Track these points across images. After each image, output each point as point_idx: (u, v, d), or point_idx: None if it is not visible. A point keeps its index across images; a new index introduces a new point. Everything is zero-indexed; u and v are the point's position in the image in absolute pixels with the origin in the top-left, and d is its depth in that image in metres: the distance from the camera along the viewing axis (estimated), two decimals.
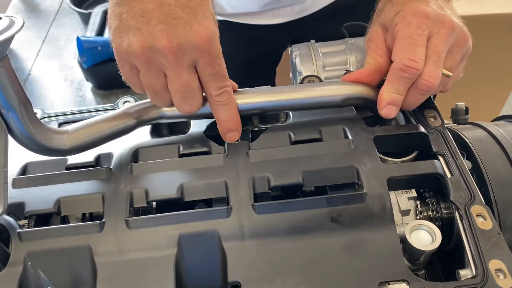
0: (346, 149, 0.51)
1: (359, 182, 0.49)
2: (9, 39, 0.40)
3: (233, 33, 0.94)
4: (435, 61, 0.52)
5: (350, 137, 0.52)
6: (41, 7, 2.87)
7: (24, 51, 2.56)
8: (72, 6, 2.54)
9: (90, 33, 2.46)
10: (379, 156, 0.51)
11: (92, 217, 0.54)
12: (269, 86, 0.59)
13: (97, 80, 2.29)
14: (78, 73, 2.36)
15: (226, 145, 0.54)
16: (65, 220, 0.53)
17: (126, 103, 0.64)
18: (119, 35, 0.47)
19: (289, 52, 0.81)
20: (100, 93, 2.32)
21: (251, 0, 0.87)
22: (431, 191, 0.53)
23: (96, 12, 2.57)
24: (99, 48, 2.19)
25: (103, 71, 2.21)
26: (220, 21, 0.88)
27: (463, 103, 0.69)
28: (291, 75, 0.83)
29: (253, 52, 1.01)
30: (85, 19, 2.60)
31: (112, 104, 0.65)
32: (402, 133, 0.53)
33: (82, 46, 2.12)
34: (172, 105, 0.51)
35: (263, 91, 0.56)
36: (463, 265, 0.46)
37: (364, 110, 0.59)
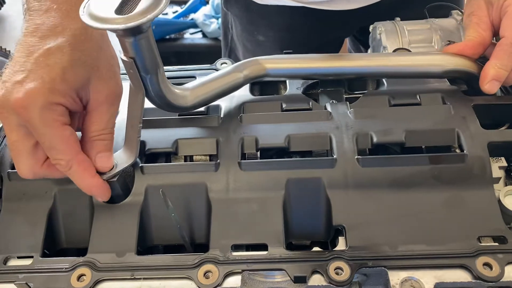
0: (447, 113, 0.53)
1: (457, 146, 0.52)
2: (156, 16, 0.40)
3: (307, 19, 0.95)
4: None
5: (449, 103, 0.55)
6: None
7: None
8: None
9: None
10: None
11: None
12: (370, 53, 0.61)
13: None
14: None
15: (327, 103, 0.57)
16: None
17: (224, 65, 0.68)
18: None
19: (370, 29, 0.84)
20: None
21: None
22: None
23: None
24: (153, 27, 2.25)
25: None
26: (296, 7, 0.91)
27: None
28: (370, 51, 0.86)
29: (322, 38, 1.02)
30: None
31: (210, 65, 0.69)
32: (500, 103, 0.55)
33: None
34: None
35: (365, 57, 0.59)
36: None
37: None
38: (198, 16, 2.47)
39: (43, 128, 0.45)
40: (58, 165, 0.47)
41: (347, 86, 0.64)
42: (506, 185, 0.56)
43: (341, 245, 0.49)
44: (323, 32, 0.97)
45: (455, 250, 0.46)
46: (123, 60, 0.45)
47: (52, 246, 0.52)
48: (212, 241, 0.48)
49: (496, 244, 0.47)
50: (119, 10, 0.41)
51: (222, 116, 0.57)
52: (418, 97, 0.56)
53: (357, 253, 0.46)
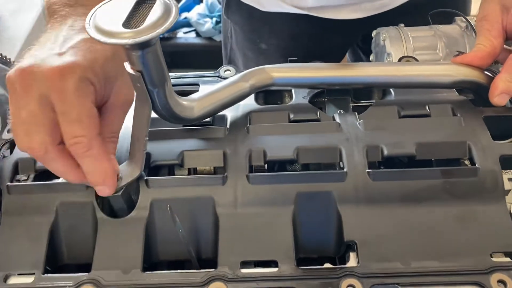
0: (457, 126, 0.53)
1: (467, 158, 0.51)
2: (166, 30, 0.39)
3: (311, 27, 0.94)
4: None
5: (459, 115, 0.54)
6: None
7: None
8: None
9: None
10: None
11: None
12: (379, 61, 0.60)
13: None
14: None
15: (335, 114, 0.56)
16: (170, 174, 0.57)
17: (227, 72, 0.67)
18: None
19: (373, 35, 0.83)
20: None
21: None
22: None
23: None
24: None
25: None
26: (300, 15, 0.90)
27: None
28: (372, 57, 0.85)
29: (326, 46, 1.00)
30: None
31: (214, 72, 0.68)
32: (510, 115, 0.54)
33: None
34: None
35: (373, 66, 0.58)
36: None
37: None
38: (192, 15, 2.45)
39: (75, 98, 0.43)
40: (77, 144, 0.43)
41: (353, 95, 0.63)
42: None
43: (352, 261, 0.48)
44: (326, 40, 0.96)
45: (469, 266, 0.45)
46: (129, 74, 0.43)
47: (54, 262, 0.51)
48: (220, 257, 0.47)
49: (510, 260, 0.46)
50: (127, 23, 0.40)
51: (228, 126, 0.55)
52: (427, 108, 0.56)
53: (369, 269, 0.46)
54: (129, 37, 0.39)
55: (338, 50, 1.05)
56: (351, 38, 1.03)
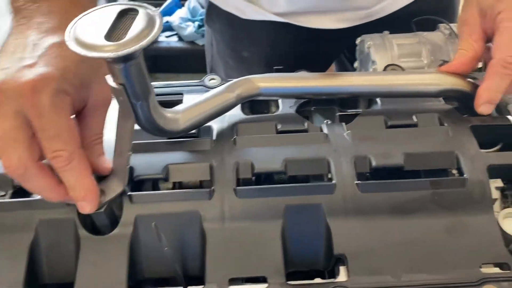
0: (445, 135, 0.53)
1: (454, 169, 0.51)
2: (150, 42, 0.38)
3: (293, 36, 0.92)
4: None
5: (446, 125, 0.54)
6: None
7: None
8: None
9: None
10: None
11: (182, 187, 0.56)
12: (365, 71, 0.60)
13: None
14: None
15: (323, 124, 0.56)
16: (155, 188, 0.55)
17: (212, 81, 0.65)
18: None
19: (357, 42, 0.83)
20: None
21: None
22: (510, 183, 0.55)
23: None
24: None
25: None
26: (281, 23, 0.88)
27: None
28: (356, 64, 0.85)
29: (309, 55, 0.98)
30: (111, 2, 2.60)
31: (198, 81, 0.66)
32: (497, 124, 0.55)
33: None
34: None
35: (359, 75, 0.57)
36: None
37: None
38: (174, 19, 2.42)
39: (52, 113, 0.41)
40: (58, 157, 0.42)
41: (339, 103, 0.63)
42: (502, 205, 0.56)
43: (342, 274, 0.47)
44: (309, 49, 0.94)
45: (459, 278, 0.45)
46: (112, 87, 0.42)
47: (34, 282, 0.49)
48: (208, 274, 0.46)
49: (499, 270, 0.46)
50: (109, 35, 0.38)
51: (214, 138, 0.54)
52: (414, 117, 0.55)
53: (360, 283, 0.45)
54: (111, 50, 0.37)
55: (322, 59, 1.04)
56: (336, 49, 1.02)
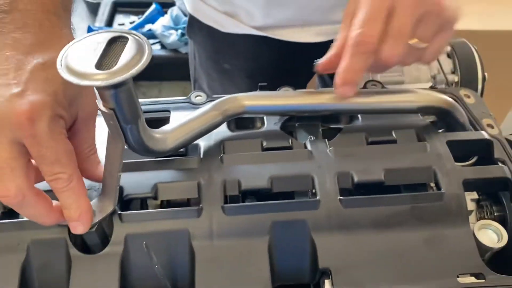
0: (423, 151, 0.55)
1: (433, 183, 0.54)
2: (140, 70, 0.40)
3: (273, 49, 0.93)
4: (393, 36, 0.50)
5: (424, 140, 0.57)
6: None
7: None
8: None
9: (99, 24, 2.46)
10: None
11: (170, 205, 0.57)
12: None
13: None
14: None
15: (307, 141, 0.58)
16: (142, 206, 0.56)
17: (198, 97, 0.67)
18: None
19: None
20: None
21: (291, 10, 0.86)
22: (484, 195, 0.58)
23: (106, 3, 2.57)
24: None
25: None
26: (261, 37, 0.88)
27: None
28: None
29: (290, 68, 0.99)
30: (92, 9, 2.60)
31: (185, 98, 0.68)
32: (471, 139, 0.57)
33: None
34: None
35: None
36: None
37: None
38: (157, 27, 2.43)
39: (50, 141, 0.42)
40: (58, 180, 0.43)
41: (322, 119, 0.65)
42: (477, 215, 0.58)
43: (327, 287, 0.49)
44: (290, 62, 0.96)
45: None
46: (102, 112, 0.43)
47: None
48: None
49: (475, 280, 0.49)
50: (99, 64, 0.40)
51: (202, 156, 0.56)
52: (393, 133, 0.58)
53: None
54: (103, 79, 0.38)
55: (304, 72, 1.06)
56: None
